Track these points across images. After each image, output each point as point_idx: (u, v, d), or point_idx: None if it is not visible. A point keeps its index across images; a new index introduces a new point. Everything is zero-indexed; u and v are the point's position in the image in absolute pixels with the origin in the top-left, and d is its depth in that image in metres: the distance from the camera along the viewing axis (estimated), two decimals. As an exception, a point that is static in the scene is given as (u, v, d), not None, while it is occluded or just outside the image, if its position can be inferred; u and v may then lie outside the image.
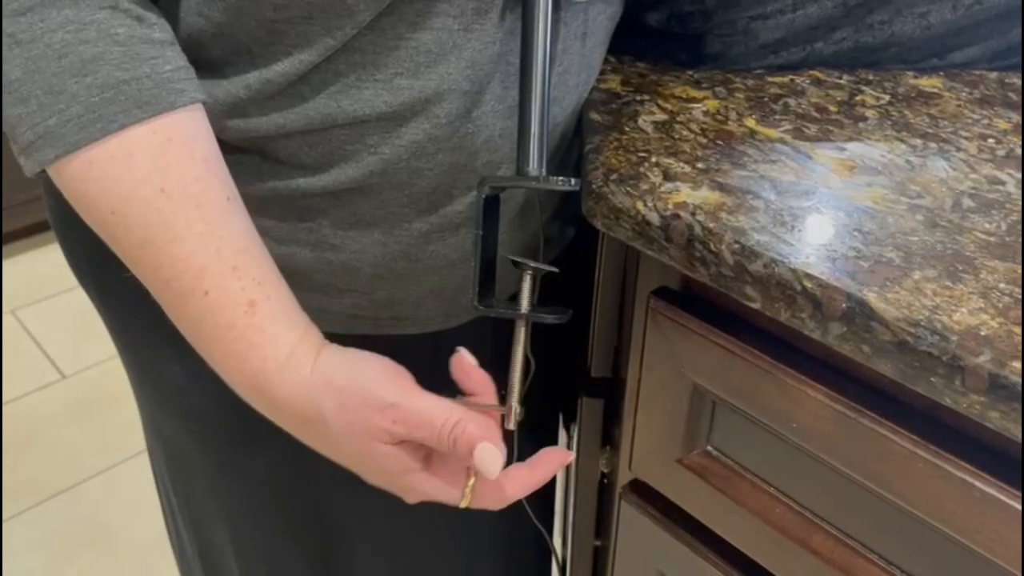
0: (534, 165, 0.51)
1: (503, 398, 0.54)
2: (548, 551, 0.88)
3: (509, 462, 0.67)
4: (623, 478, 0.70)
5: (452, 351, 0.54)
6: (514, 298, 0.54)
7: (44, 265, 2.21)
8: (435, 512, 0.74)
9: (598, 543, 0.82)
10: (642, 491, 0.68)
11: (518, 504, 0.67)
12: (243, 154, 0.54)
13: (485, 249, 0.52)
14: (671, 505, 0.65)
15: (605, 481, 0.78)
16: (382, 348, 0.54)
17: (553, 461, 0.52)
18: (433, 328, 0.64)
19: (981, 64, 0.69)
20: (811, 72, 0.68)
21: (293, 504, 0.72)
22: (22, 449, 1.73)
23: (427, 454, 0.51)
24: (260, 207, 0.55)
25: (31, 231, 2.25)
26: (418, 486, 0.50)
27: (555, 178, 0.51)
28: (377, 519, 0.73)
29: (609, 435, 0.76)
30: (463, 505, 0.50)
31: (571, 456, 0.53)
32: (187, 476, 0.75)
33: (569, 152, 0.67)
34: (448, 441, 0.47)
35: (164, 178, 0.45)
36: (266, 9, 0.48)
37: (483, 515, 0.77)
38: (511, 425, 0.52)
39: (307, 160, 0.53)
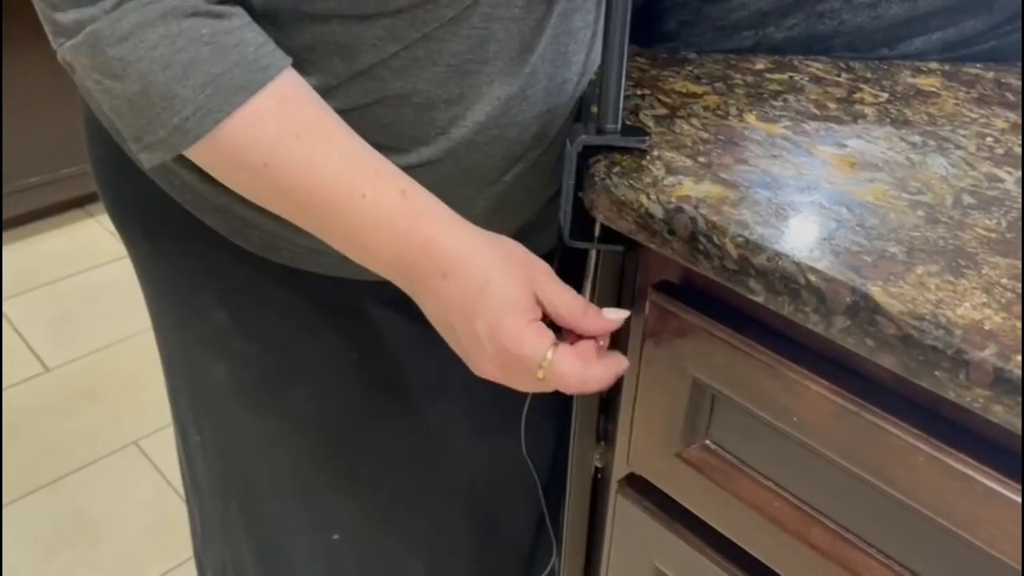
0: (610, 120, 0.57)
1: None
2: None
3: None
4: (619, 472, 0.70)
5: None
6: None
7: (26, 258, 2.19)
8: (453, 461, 0.80)
9: (590, 537, 0.82)
10: (639, 485, 0.68)
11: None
12: None
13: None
14: (668, 499, 0.66)
15: (599, 476, 0.78)
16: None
17: (620, 363, 0.58)
18: None
19: (932, 55, 0.70)
20: (809, 69, 0.68)
21: (327, 437, 0.76)
22: (4, 443, 1.71)
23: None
24: None
25: (12, 224, 2.22)
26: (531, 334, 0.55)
27: (627, 138, 0.57)
28: (403, 452, 0.78)
29: (603, 429, 0.76)
30: (548, 359, 0.54)
31: (626, 362, 0.59)
32: (221, 415, 0.79)
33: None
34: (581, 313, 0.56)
35: (293, 126, 0.53)
36: (368, 5, 0.54)
37: (496, 472, 0.83)
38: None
39: (379, 138, 0.58)
